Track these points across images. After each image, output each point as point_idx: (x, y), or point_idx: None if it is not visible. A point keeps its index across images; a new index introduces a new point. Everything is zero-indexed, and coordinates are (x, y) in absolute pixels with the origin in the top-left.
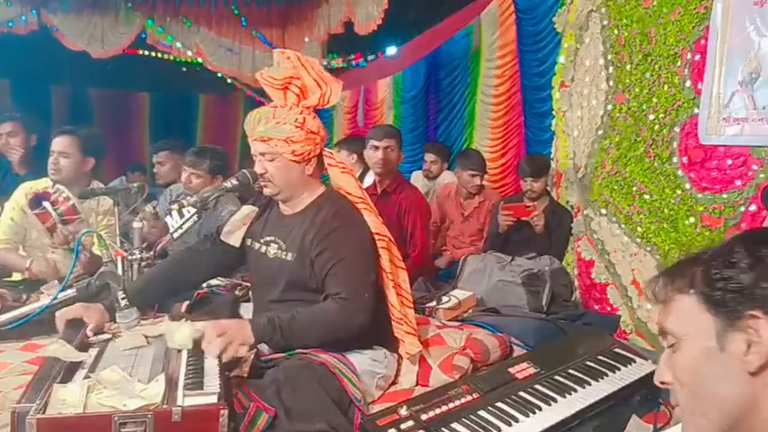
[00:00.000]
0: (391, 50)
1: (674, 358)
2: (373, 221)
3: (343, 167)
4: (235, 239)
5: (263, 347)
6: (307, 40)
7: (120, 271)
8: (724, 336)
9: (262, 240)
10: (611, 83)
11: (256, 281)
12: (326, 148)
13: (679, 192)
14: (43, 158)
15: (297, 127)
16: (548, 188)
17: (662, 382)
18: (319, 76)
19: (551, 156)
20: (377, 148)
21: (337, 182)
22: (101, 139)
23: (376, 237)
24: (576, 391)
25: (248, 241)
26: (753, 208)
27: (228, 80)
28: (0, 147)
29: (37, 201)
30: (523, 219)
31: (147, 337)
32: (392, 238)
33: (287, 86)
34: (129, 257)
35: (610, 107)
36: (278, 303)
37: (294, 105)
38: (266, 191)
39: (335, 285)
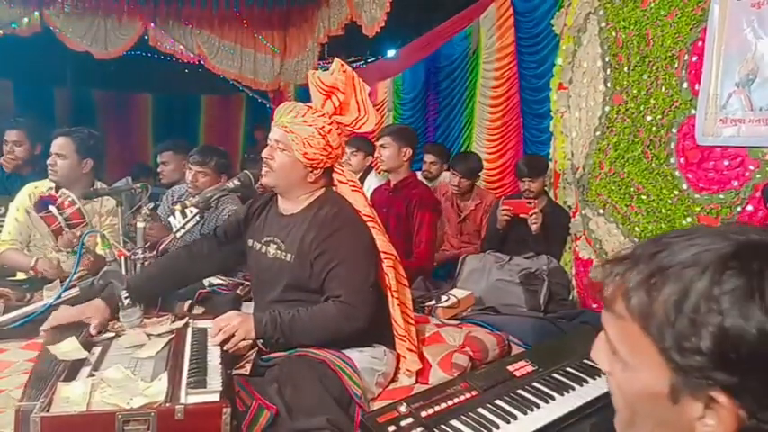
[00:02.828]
0: (391, 53)
1: (618, 369)
2: (381, 240)
3: (354, 185)
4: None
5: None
6: (308, 42)
7: (123, 270)
8: (679, 394)
9: (262, 240)
10: (608, 84)
11: (256, 281)
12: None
13: (676, 192)
14: (46, 160)
15: (319, 133)
16: (546, 188)
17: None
18: (363, 102)
19: (549, 156)
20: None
21: (347, 199)
22: (99, 140)
23: (382, 255)
24: (573, 388)
25: (249, 241)
26: (750, 208)
27: (231, 81)
28: (5, 153)
29: (43, 204)
30: (522, 216)
31: (149, 335)
32: (398, 257)
33: (330, 95)
34: (133, 257)
35: (607, 108)
36: (278, 303)
37: (328, 115)
38: (264, 178)
39: (336, 287)
